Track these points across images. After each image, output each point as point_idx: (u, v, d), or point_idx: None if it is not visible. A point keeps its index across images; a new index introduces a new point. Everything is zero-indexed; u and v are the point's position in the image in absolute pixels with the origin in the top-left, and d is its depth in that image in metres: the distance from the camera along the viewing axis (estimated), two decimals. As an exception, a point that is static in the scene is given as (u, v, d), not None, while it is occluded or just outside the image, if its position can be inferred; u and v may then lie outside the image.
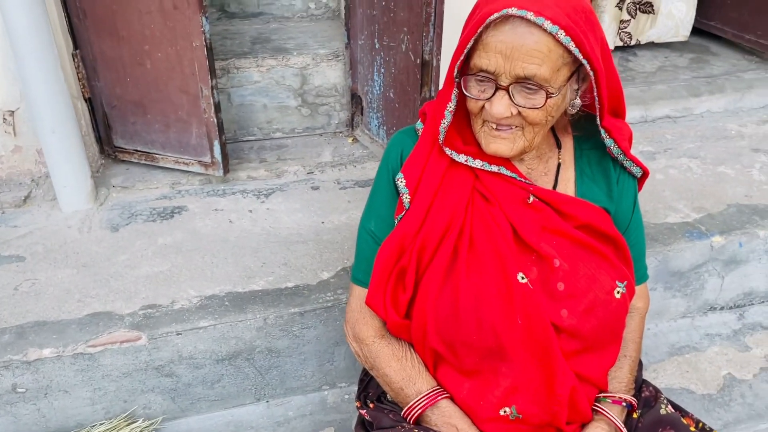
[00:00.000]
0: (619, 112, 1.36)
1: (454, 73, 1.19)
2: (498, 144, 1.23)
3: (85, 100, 2.42)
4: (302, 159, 2.66)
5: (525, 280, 1.26)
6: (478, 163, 1.30)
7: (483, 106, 1.19)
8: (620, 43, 3.54)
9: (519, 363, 1.28)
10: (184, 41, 2.19)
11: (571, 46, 1.10)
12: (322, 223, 2.31)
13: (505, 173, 1.30)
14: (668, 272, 2.21)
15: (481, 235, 1.29)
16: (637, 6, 3.47)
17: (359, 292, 1.42)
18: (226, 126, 2.64)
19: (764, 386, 2.10)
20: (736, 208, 2.37)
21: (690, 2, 3.46)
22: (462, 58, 1.17)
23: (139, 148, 2.50)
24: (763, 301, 2.43)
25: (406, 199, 1.32)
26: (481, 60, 1.14)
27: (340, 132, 2.86)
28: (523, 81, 1.13)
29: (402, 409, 1.37)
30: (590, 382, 1.35)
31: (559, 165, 1.36)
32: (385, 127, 2.62)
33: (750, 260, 2.29)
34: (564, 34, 1.09)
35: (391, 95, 2.49)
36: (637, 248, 1.45)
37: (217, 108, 2.32)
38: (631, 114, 2.98)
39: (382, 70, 2.48)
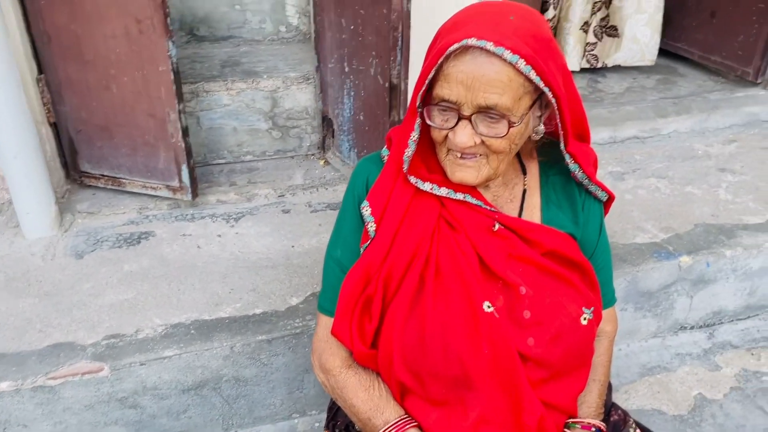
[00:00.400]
0: (583, 137, 1.36)
1: (417, 103, 1.19)
2: (463, 172, 1.23)
3: (50, 125, 2.38)
4: (273, 182, 2.64)
5: (491, 309, 1.25)
6: (443, 191, 1.29)
7: (447, 135, 1.19)
8: (587, 66, 3.59)
9: (486, 393, 1.27)
10: (151, 65, 2.17)
11: (532, 74, 1.10)
12: (293, 247, 2.29)
13: (471, 201, 1.29)
14: (638, 292, 2.22)
15: (447, 264, 1.28)
16: (603, 29, 3.53)
17: (326, 322, 1.39)
18: (195, 149, 2.61)
19: (734, 406, 2.11)
20: (703, 228, 2.40)
21: (655, 27, 3.53)
22: (424, 88, 1.16)
23: (105, 173, 2.46)
24: (732, 320, 2.45)
25: (371, 227, 1.31)
26: (442, 90, 1.14)
27: (312, 155, 2.85)
28: (485, 110, 1.13)
29: None
30: (559, 409, 1.34)
31: (524, 191, 1.36)
32: (356, 150, 2.62)
33: (718, 280, 2.31)
34: (524, 63, 1.09)
35: (361, 118, 2.49)
36: (604, 272, 1.45)
37: (185, 132, 2.30)
38: (600, 135, 3.01)
39: (352, 93, 2.48)
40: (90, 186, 2.53)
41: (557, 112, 1.18)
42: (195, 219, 2.43)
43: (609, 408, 1.50)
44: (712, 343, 2.37)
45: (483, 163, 1.21)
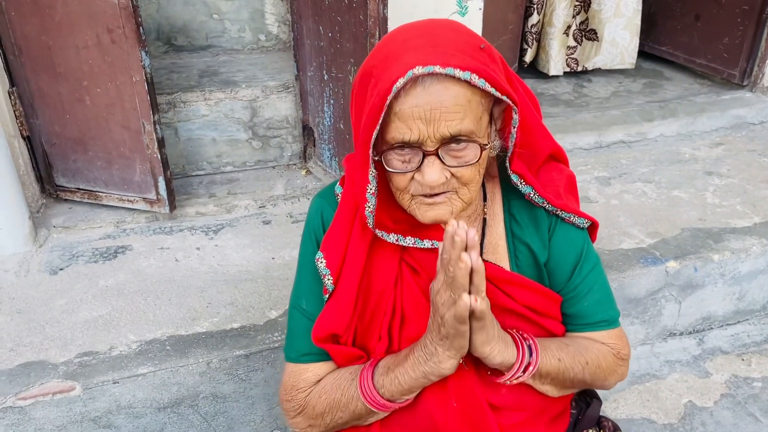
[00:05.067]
0: (558, 156, 1.27)
1: (369, 152, 1.04)
2: (436, 211, 1.10)
3: (24, 139, 2.33)
4: (254, 193, 2.60)
5: (460, 361, 1.16)
6: (409, 241, 1.20)
7: (411, 179, 1.07)
8: (567, 69, 3.58)
9: None
10: (124, 76, 2.13)
11: (488, 87, 1.01)
12: (273, 259, 2.25)
13: (439, 246, 1.17)
14: (625, 299, 2.18)
15: (412, 313, 1.21)
16: (583, 33, 3.52)
17: (293, 368, 1.28)
18: (173, 161, 2.57)
19: (725, 413, 2.06)
20: (690, 233, 2.36)
21: (633, 30, 3.52)
22: (375, 135, 1.02)
23: (81, 187, 2.42)
24: (721, 326, 2.41)
25: (328, 281, 1.21)
26: (399, 132, 1.01)
27: (293, 164, 2.81)
28: (449, 141, 1.03)
29: None
30: None
31: (485, 221, 1.25)
32: (337, 159, 2.58)
33: (706, 285, 2.27)
34: (477, 77, 0.99)
35: (342, 126, 2.45)
36: (597, 297, 1.27)
37: (161, 143, 2.25)
38: (585, 140, 2.98)
39: (332, 101, 2.45)
40: (66, 200, 2.48)
41: (515, 119, 1.08)
42: (173, 232, 2.38)
43: (598, 420, 1.44)
44: (701, 350, 2.33)
45: (454, 198, 1.10)
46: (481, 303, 1.01)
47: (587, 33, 3.52)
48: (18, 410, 1.69)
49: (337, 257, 1.20)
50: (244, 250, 2.29)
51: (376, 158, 1.06)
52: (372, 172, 1.07)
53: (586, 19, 3.50)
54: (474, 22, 2.39)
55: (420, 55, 0.99)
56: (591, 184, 2.70)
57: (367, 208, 1.11)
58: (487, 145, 1.06)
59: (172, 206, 2.38)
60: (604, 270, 1.30)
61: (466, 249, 0.97)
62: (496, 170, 1.27)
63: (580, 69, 3.60)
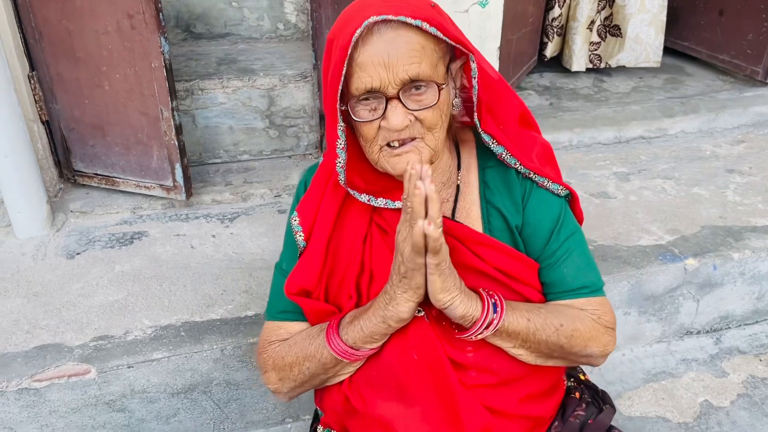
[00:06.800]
0: (527, 119, 1.30)
1: (336, 105, 1.10)
2: (406, 159, 1.14)
3: (43, 123, 2.35)
4: (269, 182, 2.60)
5: (421, 314, 1.19)
6: (380, 202, 1.24)
7: (378, 128, 1.13)
8: (590, 65, 3.52)
9: (423, 403, 1.21)
10: (143, 62, 2.13)
11: (440, 35, 1.08)
12: (288, 248, 2.24)
13: None
14: (642, 296, 2.16)
15: (380, 270, 1.24)
16: (607, 29, 3.46)
17: (269, 325, 1.34)
18: (190, 148, 2.57)
19: (741, 413, 2.04)
20: (710, 230, 2.33)
21: (659, 27, 3.45)
22: (340, 88, 1.08)
23: (99, 172, 2.43)
24: (739, 325, 2.38)
25: (299, 237, 1.27)
26: (362, 80, 1.08)
27: (310, 154, 2.81)
28: (410, 84, 1.09)
29: None
30: (508, 415, 1.24)
31: (458, 188, 1.28)
32: (354, 149, 2.57)
33: (725, 283, 2.24)
34: (428, 25, 1.07)
35: (359, 117, 2.44)
36: (576, 264, 1.26)
37: (179, 130, 2.26)
38: (605, 134, 2.95)
39: (350, 91, 2.43)
40: (83, 185, 2.49)
41: (474, 69, 1.13)
42: (189, 219, 2.39)
43: (609, 429, 1.40)
44: (719, 349, 2.30)
45: (421, 146, 1.15)
46: (435, 229, 1.02)
47: (611, 29, 3.45)
48: (33, 392, 1.70)
49: (310, 216, 1.26)
50: (260, 239, 2.29)
51: (343, 107, 1.12)
52: (340, 126, 1.13)
53: (611, 14, 3.44)
54: (494, 14, 2.37)
55: (374, 8, 1.06)
56: (610, 180, 2.67)
57: (338, 164, 1.17)
58: (443, 84, 1.11)
59: (189, 193, 2.39)
60: (585, 240, 1.31)
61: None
62: (470, 135, 1.32)
63: (603, 66, 3.53)
